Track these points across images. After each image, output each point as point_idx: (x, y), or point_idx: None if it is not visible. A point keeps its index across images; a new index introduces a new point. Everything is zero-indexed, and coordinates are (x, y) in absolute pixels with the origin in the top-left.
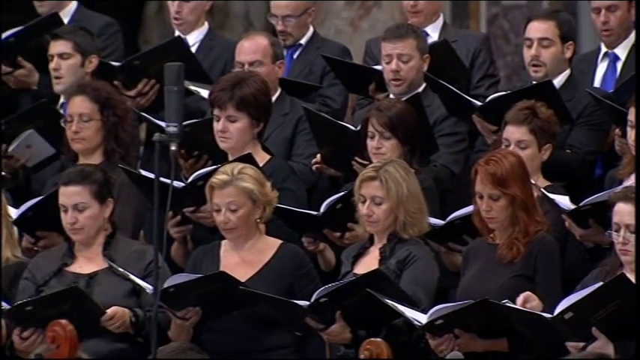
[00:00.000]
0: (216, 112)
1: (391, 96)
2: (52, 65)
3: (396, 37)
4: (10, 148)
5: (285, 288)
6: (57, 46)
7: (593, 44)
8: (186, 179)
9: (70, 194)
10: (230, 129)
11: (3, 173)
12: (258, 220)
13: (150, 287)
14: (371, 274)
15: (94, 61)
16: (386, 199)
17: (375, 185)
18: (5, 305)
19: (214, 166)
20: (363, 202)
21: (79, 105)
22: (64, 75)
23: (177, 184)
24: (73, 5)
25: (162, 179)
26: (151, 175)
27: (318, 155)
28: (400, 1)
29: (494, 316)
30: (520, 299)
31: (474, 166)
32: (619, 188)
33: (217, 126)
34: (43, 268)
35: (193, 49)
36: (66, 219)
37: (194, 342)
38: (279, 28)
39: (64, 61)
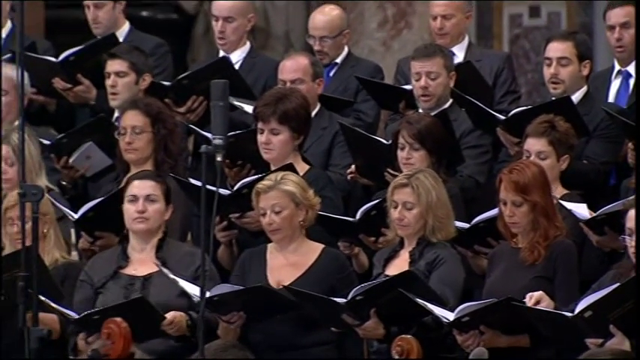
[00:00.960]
0: (260, 125)
1: (420, 111)
2: (108, 82)
3: (425, 56)
4: (71, 160)
5: (327, 290)
6: (114, 65)
7: (607, 62)
8: (232, 187)
9: (144, 186)
10: (273, 141)
11: (63, 183)
12: (302, 223)
13: (197, 294)
14: (403, 274)
15: (147, 79)
16: (416, 205)
17: (407, 191)
18: (57, 306)
19: (258, 175)
20: (395, 207)
21: (132, 118)
22: (120, 92)
23: (223, 191)
24: (127, 27)
25: (208, 187)
26: (199, 183)
27: (353, 166)
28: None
29: (517, 314)
30: (532, 300)
31: (499, 174)
32: (632, 197)
33: (261, 138)
34: (99, 271)
35: (236, 67)
36: (135, 207)
37: (242, 339)
38: (316, 48)
39: (120, 78)
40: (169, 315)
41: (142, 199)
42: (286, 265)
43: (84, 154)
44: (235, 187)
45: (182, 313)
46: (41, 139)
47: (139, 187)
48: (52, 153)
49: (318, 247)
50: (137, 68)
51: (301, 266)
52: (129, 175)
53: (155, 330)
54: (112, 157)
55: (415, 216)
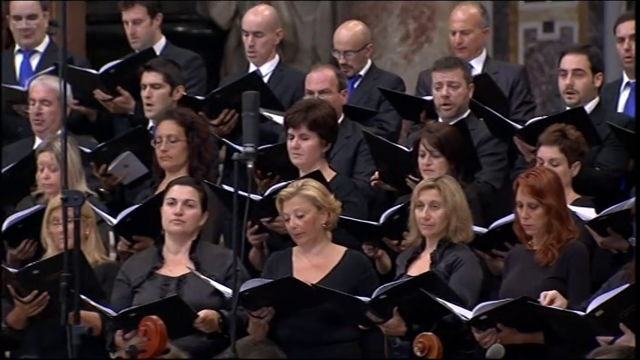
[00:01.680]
0: (290, 131)
1: (440, 120)
2: (144, 93)
3: (446, 67)
4: (110, 168)
5: (350, 290)
6: (149, 77)
7: (617, 75)
8: (262, 195)
9: (183, 191)
10: (302, 146)
11: (102, 189)
12: (324, 226)
13: (229, 291)
14: (424, 275)
15: (180, 91)
16: (442, 205)
17: (434, 192)
18: (96, 304)
19: (287, 182)
20: (421, 208)
21: (168, 127)
22: (155, 103)
23: (254, 197)
24: (163, 41)
25: (240, 192)
26: (231, 189)
27: (377, 173)
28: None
29: (532, 313)
30: (547, 299)
31: (516, 179)
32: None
33: (291, 143)
34: (135, 271)
35: (265, 79)
36: (173, 210)
37: (270, 335)
38: (341, 61)
39: (156, 90)
40: (202, 313)
41: (180, 203)
42: (311, 266)
43: (122, 162)
44: (266, 193)
45: (214, 312)
46: (82, 148)
47: (179, 192)
48: (91, 161)
49: (341, 250)
50: (171, 80)
51: (325, 267)
52: (167, 180)
53: (188, 327)
54: (148, 166)
55: (441, 216)
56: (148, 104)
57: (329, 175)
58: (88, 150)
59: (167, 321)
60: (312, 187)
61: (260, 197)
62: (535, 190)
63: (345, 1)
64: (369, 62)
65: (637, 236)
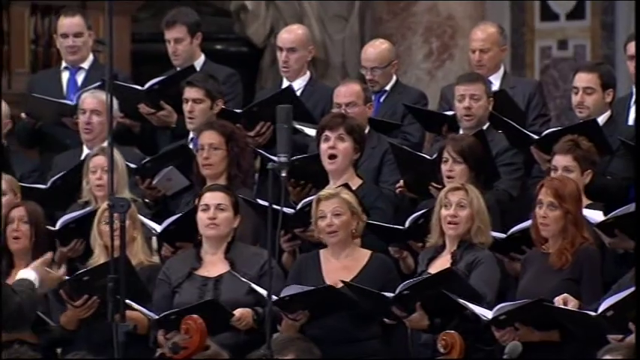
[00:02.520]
0: (327, 133)
1: (461, 132)
2: (186, 107)
3: (469, 81)
4: (154, 181)
5: (377, 289)
6: (191, 92)
7: (628, 89)
8: (295, 203)
9: (215, 196)
10: (339, 147)
11: (146, 200)
12: (353, 232)
13: (264, 292)
14: (444, 272)
15: (219, 105)
16: (469, 206)
17: (461, 194)
18: (139, 307)
19: (317, 195)
20: (447, 207)
21: (209, 137)
22: (196, 116)
23: (288, 210)
24: (202, 59)
25: (274, 207)
26: (266, 203)
27: (401, 181)
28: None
29: (547, 313)
30: (559, 300)
31: (542, 181)
32: None
33: (327, 144)
34: (175, 272)
35: (298, 93)
36: (207, 215)
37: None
38: (368, 77)
39: (197, 104)
40: (237, 312)
41: (213, 208)
42: (340, 268)
43: (165, 176)
44: (299, 207)
45: (249, 310)
46: (128, 163)
47: (211, 197)
48: (137, 175)
49: (367, 253)
50: (211, 95)
51: (354, 269)
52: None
53: (226, 325)
54: (189, 179)
55: (467, 216)
56: (190, 117)
57: (356, 183)
58: (133, 165)
59: (206, 320)
60: (349, 194)
61: (293, 211)
62: (558, 193)
63: (372, 21)
64: (395, 78)
65: (637, 236)
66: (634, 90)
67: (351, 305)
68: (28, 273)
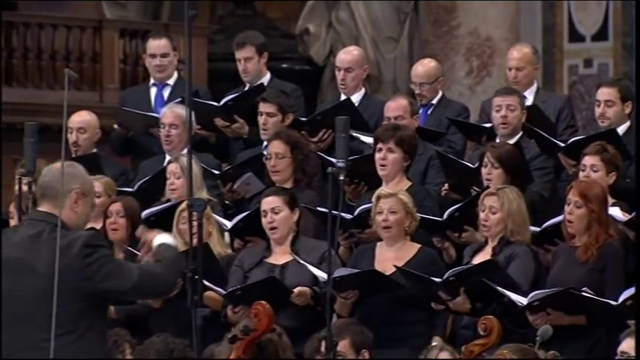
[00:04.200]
0: (379, 145)
1: (497, 140)
2: (261, 120)
3: (505, 93)
4: (235, 186)
5: None
6: (265, 107)
7: None
8: (350, 201)
9: (268, 201)
10: (388, 157)
11: (227, 202)
12: (406, 229)
13: (323, 275)
14: (487, 262)
15: (290, 118)
16: (499, 210)
17: (494, 199)
18: (210, 285)
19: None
20: (483, 211)
21: (276, 146)
22: (269, 128)
23: (347, 215)
24: (268, 76)
25: (334, 212)
26: (326, 210)
27: (446, 184)
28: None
29: (575, 300)
30: None
31: (572, 182)
32: None
33: (379, 155)
34: (248, 259)
35: None
36: (266, 220)
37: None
38: (417, 91)
39: (270, 118)
40: (297, 289)
41: (270, 212)
42: (391, 258)
43: (245, 181)
44: (355, 213)
45: (307, 288)
46: (212, 170)
47: (266, 203)
48: (219, 180)
49: (416, 247)
50: (283, 110)
51: (402, 259)
52: None
53: (286, 301)
54: (265, 183)
55: (497, 219)
56: (264, 129)
57: (406, 184)
58: (216, 172)
59: (268, 297)
60: (406, 196)
61: (351, 216)
62: (584, 194)
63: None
64: (440, 93)
65: (637, 234)
66: None
67: (396, 287)
68: (164, 237)
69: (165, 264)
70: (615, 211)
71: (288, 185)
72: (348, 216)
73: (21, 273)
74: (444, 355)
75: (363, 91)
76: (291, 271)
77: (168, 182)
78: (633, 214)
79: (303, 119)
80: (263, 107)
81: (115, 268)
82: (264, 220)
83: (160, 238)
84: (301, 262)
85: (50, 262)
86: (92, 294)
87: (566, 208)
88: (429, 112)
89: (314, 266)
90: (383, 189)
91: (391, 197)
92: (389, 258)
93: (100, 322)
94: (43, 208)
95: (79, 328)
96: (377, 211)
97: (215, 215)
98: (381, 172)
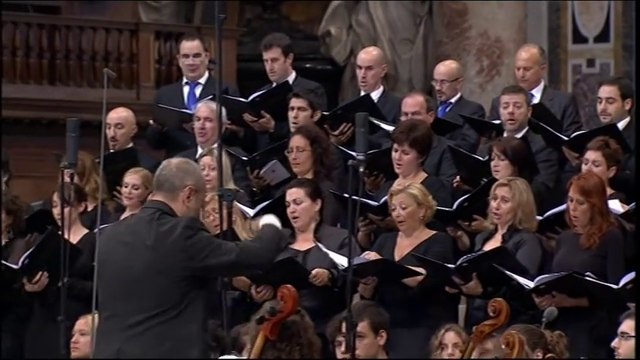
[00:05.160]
0: (395, 145)
1: (505, 134)
2: (292, 114)
3: (513, 91)
4: (261, 172)
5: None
6: (297, 102)
7: None
8: (370, 192)
9: (291, 193)
10: (403, 159)
11: (254, 189)
12: (422, 218)
13: (343, 262)
14: (497, 248)
15: (318, 114)
16: (511, 200)
17: (506, 189)
18: None
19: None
20: (494, 200)
21: (297, 140)
22: (299, 122)
23: (372, 202)
24: (293, 75)
25: (354, 198)
26: (346, 195)
27: (458, 177)
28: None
29: (578, 284)
30: None
31: (570, 179)
32: None
33: (395, 155)
34: None
35: None
36: (290, 210)
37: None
38: (437, 88)
39: (301, 112)
40: (314, 271)
41: (292, 203)
42: (408, 245)
43: (270, 168)
44: (381, 202)
45: (325, 270)
46: (238, 155)
47: (289, 194)
48: (247, 166)
49: (430, 233)
50: (313, 106)
51: (414, 246)
52: None
53: (305, 282)
54: (289, 171)
55: (508, 209)
56: (294, 122)
57: (422, 176)
58: (245, 158)
59: (287, 277)
60: (416, 188)
61: (377, 204)
62: (584, 190)
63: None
64: (459, 93)
65: (637, 234)
66: None
67: (409, 274)
68: (269, 218)
69: (264, 241)
70: (614, 204)
71: (309, 176)
72: (374, 203)
73: (134, 245)
74: (451, 335)
75: (381, 88)
76: (313, 257)
77: (203, 174)
78: (632, 204)
79: (326, 113)
80: (295, 102)
81: (215, 247)
82: (288, 211)
83: (266, 219)
84: (323, 249)
85: (157, 238)
86: (194, 272)
87: (570, 205)
88: (447, 109)
89: (335, 253)
90: (394, 186)
91: (401, 193)
92: (406, 245)
93: (202, 299)
94: (158, 197)
95: (180, 305)
96: (392, 208)
97: (238, 204)
98: (397, 170)
